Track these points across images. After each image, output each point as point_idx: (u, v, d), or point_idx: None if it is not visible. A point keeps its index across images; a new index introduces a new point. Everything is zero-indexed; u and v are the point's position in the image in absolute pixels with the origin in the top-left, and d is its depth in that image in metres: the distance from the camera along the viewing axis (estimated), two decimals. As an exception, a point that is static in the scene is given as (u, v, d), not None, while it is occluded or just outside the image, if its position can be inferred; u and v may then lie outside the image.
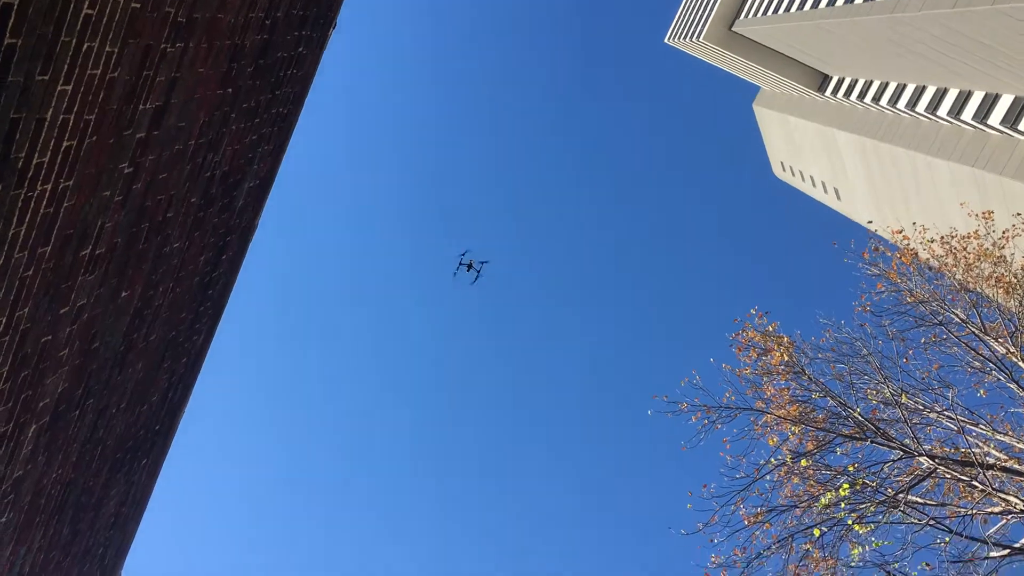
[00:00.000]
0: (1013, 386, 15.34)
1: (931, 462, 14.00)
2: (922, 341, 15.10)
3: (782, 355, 15.05)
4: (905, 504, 12.71)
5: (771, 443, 15.80)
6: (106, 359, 5.99)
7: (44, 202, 4.24)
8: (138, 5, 4.26)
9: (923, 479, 13.74)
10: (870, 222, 15.61)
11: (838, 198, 46.26)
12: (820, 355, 15.69)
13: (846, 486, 12.10)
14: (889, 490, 13.59)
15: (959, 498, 14.22)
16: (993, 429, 15.40)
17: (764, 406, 16.08)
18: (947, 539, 11.26)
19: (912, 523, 12.70)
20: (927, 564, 11.49)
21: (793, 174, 54.75)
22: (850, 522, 12.07)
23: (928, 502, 14.38)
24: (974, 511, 14.52)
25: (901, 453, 13.86)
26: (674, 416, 15.71)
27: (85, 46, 3.97)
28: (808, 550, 12.75)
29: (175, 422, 8.43)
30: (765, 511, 14.79)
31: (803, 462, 13.45)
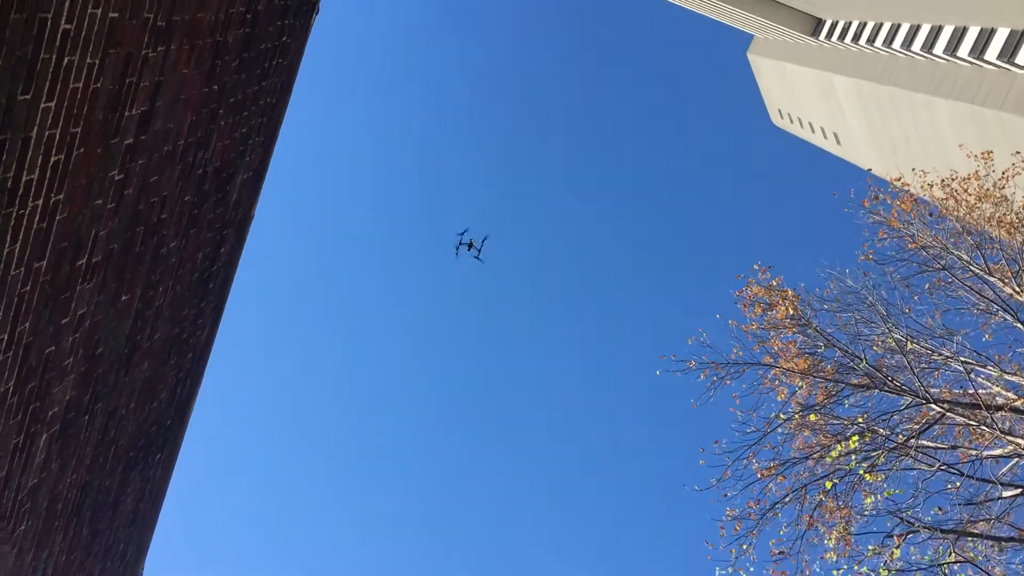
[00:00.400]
0: (1020, 326, 15.35)
1: (940, 407, 14.07)
2: (926, 287, 15.11)
3: (787, 309, 15.08)
4: (916, 450, 12.79)
5: (780, 396, 15.89)
6: (111, 362, 6.03)
7: (36, 218, 4.25)
8: (116, 15, 4.24)
9: (932, 424, 13.80)
10: (870, 170, 15.49)
11: (838, 143, 45.97)
12: (825, 306, 15.71)
13: (855, 438, 12.17)
14: (900, 436, 13.67)
15: (969, 441, 14.30)
16: (1001, 370, 15.44)
17: (772, 360, 16.15)
18: (958, 484, 11.34)
19: (923, 469, 12.79)
20: (940, 508, 11.58)
21: (792, 121, 54.39)
22: (861, 471, 12.15)
23: (939, 446, 14.48)
24: (984, 453, 14.62)
25: (910, 400, 13.91)
26: (683, 375, 15.79)
27: (66, 60, 3.96)
28: (822, 499, 12.86)
29: (186, 416, 8.51)
30: (778, 464, 14.92)
31: (812, 416, 13.52)
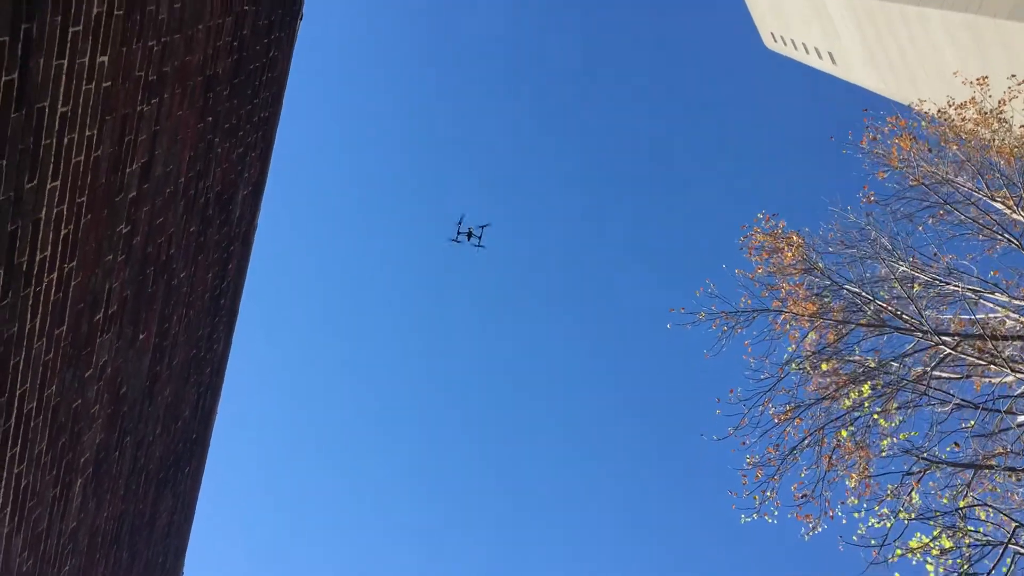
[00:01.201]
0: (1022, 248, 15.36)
1: (952, 340, 14.19)
2: (929, 220, 15.10)
3: (793, 254, 15.12)
4: (929, 386, 12.93)
5: (792, 339, 16.01)
6: (135, 398, 6.16)
7: (53, 290, 4.33)
8: (109, 83, 4.26)
9: (943, 359, 13.91)
10: (866, 110, 15.43)
11: (834, 63, 45.40)
12: (831, 249, 15.74)
13: (867, 385, 12.30)
14: (913, 371, 13.79)
15: (981, 371, 14.41)
16: (1009, 295, 15.52)
17: (781, 304, 16.23)
18: (971, 423, 11.48)
19: (936, 408, 12.94)
20: (956, 444, 11.75)
21: (785, 44, 53.64)
22: (875, 415, 12.31)
23: (953, 375, 14.60)
24: (997, 380, 14.78)
25: (920, 337, 14.00)
26: (693, 327, 15.90)
27: (66, 140, 4.00)
28: (840, 440, 13.03)
29: (209, 427, 8.67)
30: (793, 407, 15.09)
31: (823, 365, 13.65)
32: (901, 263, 16.26)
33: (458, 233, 30.39)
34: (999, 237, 14.24)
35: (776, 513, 14.61)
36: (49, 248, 4.16)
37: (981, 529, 9.47)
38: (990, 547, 8.85)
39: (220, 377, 8.57)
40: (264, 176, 8.02)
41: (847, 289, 14.92)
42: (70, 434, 5.13)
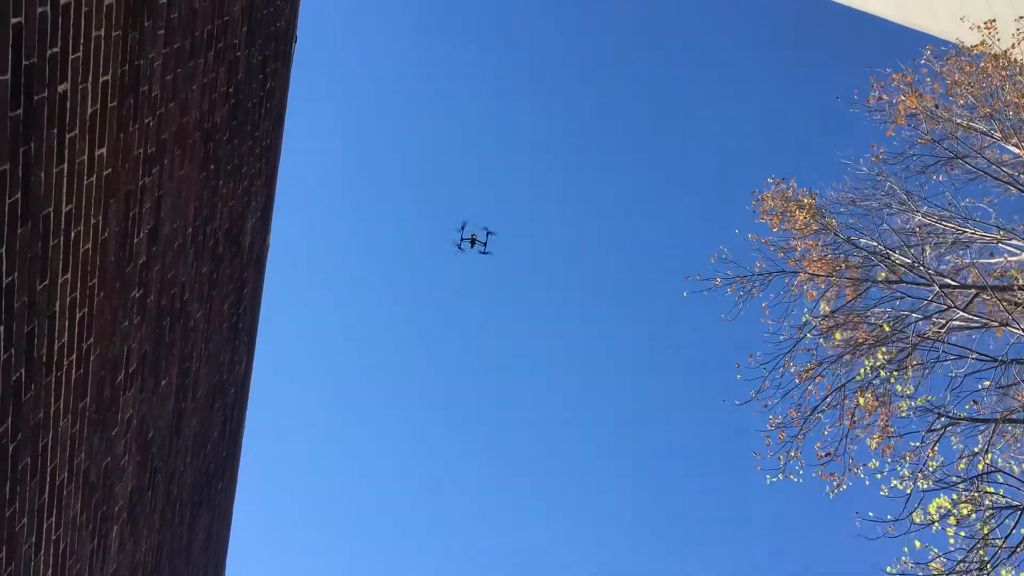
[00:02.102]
0: None
1: (968, 292, 14.22)
2: (940, 177, 15.07)
3: (805, 216, 15.14)
4: (945, 342, 13.00)
5: (809, 298, 16.09)
6: (163, 439, 6.40)
7: (73, 369, 4.54)
8: (110, 169, 4.41)
9: (967, 304, 13.92)
10: (870, 67, 15.28)
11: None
12: (842, 209, 15.73)
13: (881, 352, 12.40)
14: (931, 327, 13.84)
15: (1000, 321, 14.44)
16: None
17: (796, 263, 16.28)
18: (987, 382, 11.57)
19: (954, 364, 13.01)
20: (975, 402, 11.87)
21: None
22: (891, 378, 12.43)
23: (971, 325, 14.64)
24: (1015, 328, 14.79)
25: (936, 291, 14.03)
26: (710, 294, 16.00)
27: (73, 234, 4.18)
28: (859, 403, 13.17)
29: (238, 443, 8.95)
30: (815, 365, 15.22)
31: (836, 335, 13.74)
32: (916, 213, 16.22)
33: (462, 239, 29.69)
34: (1011, 187, 14.18)
35: (801, 472, 14.82)
36: (66, 334, 4.36)
37: (1002, 491, 9.62)
38: (1009, 509, 9.01)
39: (245, 394, 8.82)
40: (271, 199, 8.18)
41: (858, 247, 14.95)
42: (102, 490, 5.38)
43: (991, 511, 9.21)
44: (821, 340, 13.91)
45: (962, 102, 14.83)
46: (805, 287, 15.86)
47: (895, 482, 11.45)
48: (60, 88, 3.74)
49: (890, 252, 15.55)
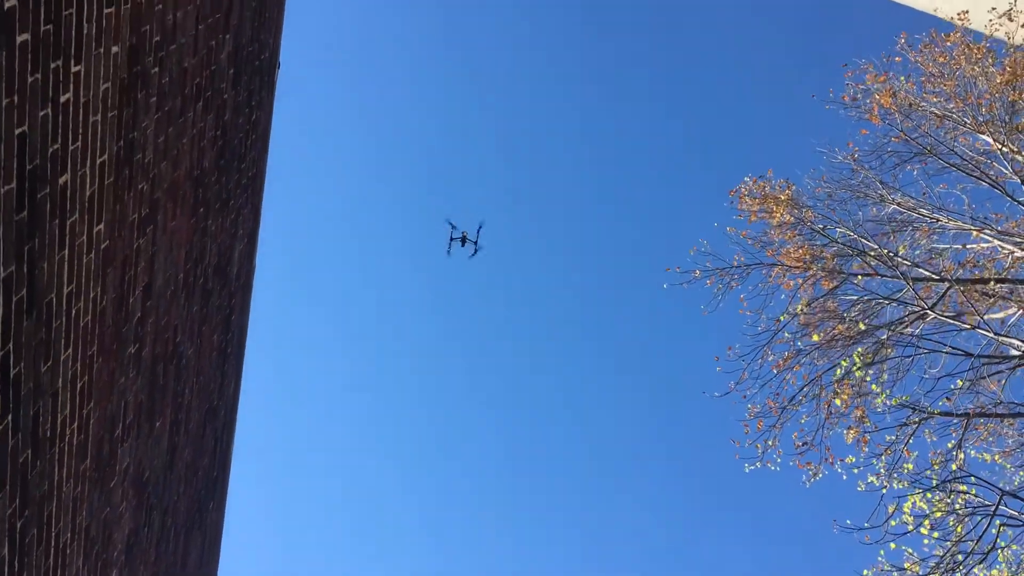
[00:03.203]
0: (1016, 178, 15.52)
1: (941, 285, 14.49)
2: (915, 173, 15.30)
3: (782, 208, 15.32)
4: (920, 337, 13.27)
5: (787, 287, 16.32)
6: (157, 476, 6.49)
7: (75, 437, 4.62)
8: (108, 242, 4.47)
9: (937, 302, 14.20)
10: (845, 65, 15.43)
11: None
12: (819, 203, 15.92)
13: (857, 354, 12.63)
14: (905, 324, 14.09)
15: (973, 312, 14.72)
16: (998, 229, 15.78)
17: (775, 253, 16.50)
18: (960, 382, 11.84)
19: (927, 359, 13.28)
20: (948, 399, 12.14)
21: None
22: (867, 379, 12.69)
23: (946, 317, 14.92)
24: (987, 316, 15.11)
25: (911, 284, 14.28)
26: (690, 286, 16.19)
27: (73, 311, 4.24)
28: (833, 401, 13.43)
29: (228, 463, 9.04)
30: (792, 354, 15.48)
31: (814, 336, 13.97)
32: (891, 203, 16.45)
33: (451, 240, 28.73)
34: (982, 182, 14.42)
35: (779, 460, 15.13)
36: (68, 406, 4.43)
37: (974, 490, 9.91)
38: (983, 508, 9.29)
39: (234, 414, 8.91)
40: (257, 224, 8.22)
41: (832, 239, 15.16)
42: (102, 541, 5.48)
43: (965, 511, 9.49)
44: (799, 341, 14.15)
45: (935, 100, 15.02)
46: (783, 278, 16.09)
47: (871, 478, 11.73)
48: (60, 181, 3.79)
49: (864, 241, 15.80)
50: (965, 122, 16.02)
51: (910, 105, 14.84)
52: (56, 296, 4.01)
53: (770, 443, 15.06)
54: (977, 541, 9.01)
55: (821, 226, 16.37)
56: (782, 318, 14.49)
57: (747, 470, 15.05)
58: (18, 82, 3.23)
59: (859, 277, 15.04)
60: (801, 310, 14.22)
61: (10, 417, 3.75)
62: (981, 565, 9.14)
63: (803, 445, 14.64)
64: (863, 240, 15.95)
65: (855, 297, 15.46)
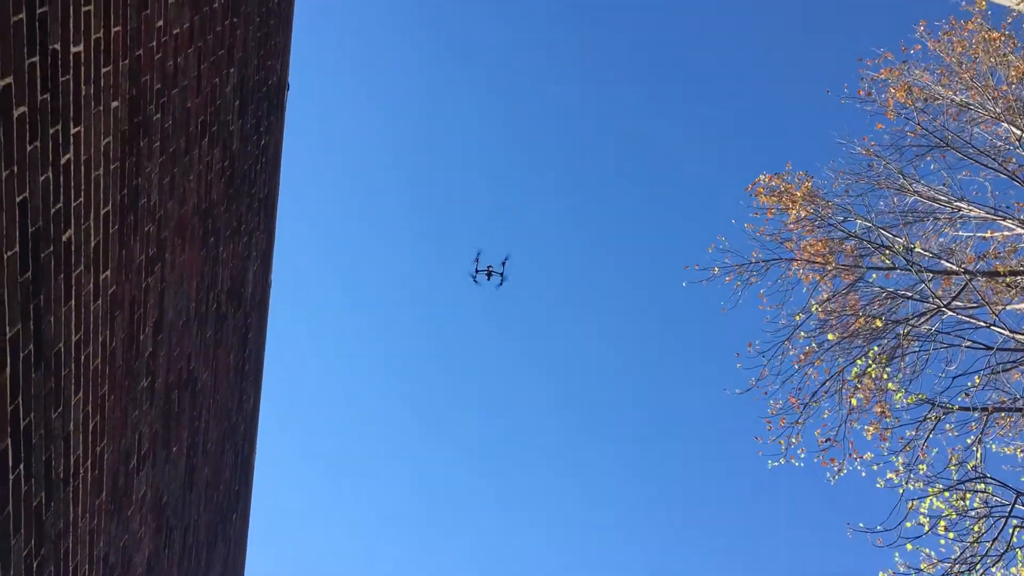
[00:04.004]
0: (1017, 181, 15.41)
1: (963, 275, 14.41)
2: (932, 167, 15.21)
3: (800, 203, 15.28)
4: (938, 331, 13.22)
5: (806, 281, 16.29)
6: (176, 499, 6.67)
7: (89, 474, 4.78)
8: (115, 286, 4.61)
9: (957, 295, 14.13)
10: (860, 59, 15.34)
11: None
12: (837, 199, 15.85)
13: (873, 351, 12.62)
14: (924, 318, 14.03)
15: (994, 304, 14.63)
16: (1020, 221, 15.64)
17: (793, 248, 16.47)
18: (977, 379, 11.80)
19: (946, 348, 13.22)
20: (966, 394, 12.11)
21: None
22: (885, 376, 12.66)
23: (963, 314, 14.84)
24: (1008, 307, 15.01)
25: (931, 277, 14.22)
26: (709, 284, 16.20)
27: (82, 357, 4.39)
28: (853, 402, 13.43)
29: (250, 474, 9.23)
30: (813, 349, 15.47)
31: (830, 336, 13.94)
32: (912, 193, 16.35)
33: (476, 271, 28.29)
34: (1000, 173, 14.32)
35: (803, 456, 15.15)
36: (80, 446, 4.59)
37: (990, 488, 9.90)
38: (993, 518, 9.30)
39: (254, 427, 9.08)
40: (271, 244, 8.37)
41: (851, 234, 15.11)
42: (121, 566, 5.66)
43: (982, 511, 9.49)
44: (819, 336, 14.13)
45: (951, 92, 14.89)
46: (801, 272, 16.06)
47: (891, 475, 11.74)
48: (64, 237, 3.93)
49: (883, 233, 15.73)
50: (985, 109, 15.89)
51: (926, 100, 14.73)
52: (64, 346, 4.15)
53: (793, 439, 15.08)
54: (993, 542, 9.01)
55: (841, 217, 16.31)
56: (798, 317, 14.48)
57: (770, 466, 15.08)
58: (17, 153, 3.36)
59: (874, 275, 14.99)
60: (816, 309, 14.21)
61: (22, 466, 3.90)
62: (999, 564, 9.15)
63: (826, 441, 14.65)
64: (882, 232, 15.89)
65: (877, 288, 15.42)
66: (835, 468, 14.39)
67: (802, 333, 14.35)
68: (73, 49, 3.68)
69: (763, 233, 15.62)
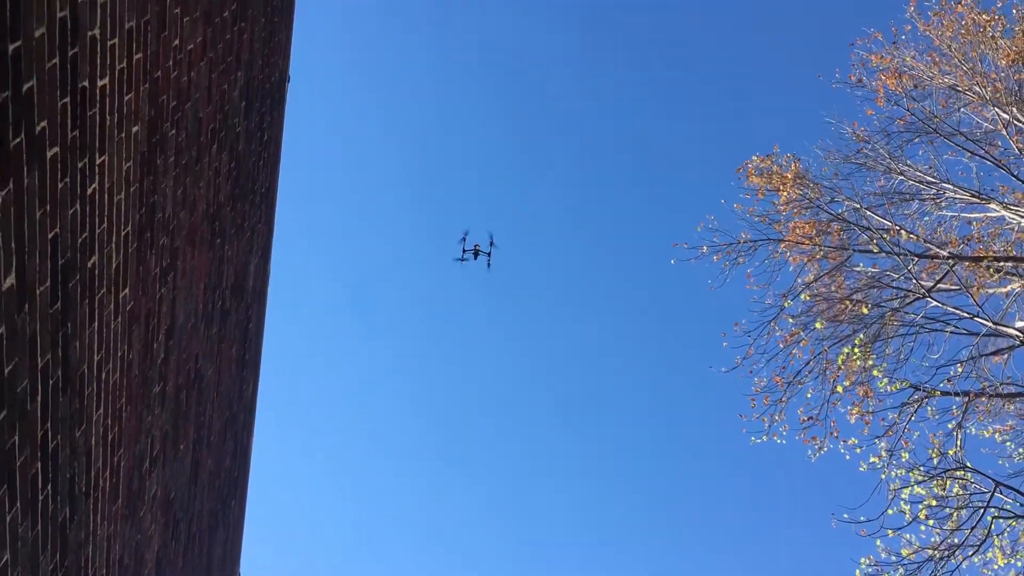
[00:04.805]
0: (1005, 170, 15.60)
1: (947, 259, 14.64)
2: (920, 152, 15.37)
3: (789, 184, 15.42)
4: (924, 316, 13.45)
5: (794, 262, 16.49)
6: (183, 493, 6.80)
7: (107, 483, 4.89)
8: (132, 303, 4.69)
9: (934, 286, 14.36)
10: (852, 44, 15.39)
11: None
12: (826, 182, 15.99)
13: (859, 339, 12.84)
14: (909, 298, 14.25)
15: (976, 287, 14.88)
16: (1001, 203, 15.86)
17: (781, 229, 16.63)
18: (959, 368, 12.05)
19: (929, 333, 13.47)
20: (948, 380, 12.37)
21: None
22: (870, 362, 12.89)
23: (950, 287, 15.08)
24: (991, 291, 15.27)
25: (915, 260, 14.43)
26: (696, 262, 16.36)
27: (103, 374, 4.48)
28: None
29: (248, 461, 9.36)
30: (799, 329, 15.70)
31: (818, 324, 14.14)
32: (898, 175, 16.51)
33: (464, 252, 28.11)
34: (987, 160, 14.50)
35: (785, 433, 15.44)
36: (100, 459, 4.69)
37: (970, 476, 10.18)
38: (971, 508, 9.58)
39: (252, 414, 9.20)
40: (271, 235, 8.42)
41: (838, 217, 15.28)
42: (134, 564, 5.79)
43: (961, 502, 9.77)
44: (798, 326, 14.34)
45: (941, 75, 15.00)
46: (789, 254, 16.24)
47: (873, 459, 12.01)
48: (89, 264, 4.00)
49: (870, 213, 15.91)
50: (974, 93, 16.02)
51: (915, 86, 14.84)
52: (87, 366, 4.24)
53: (776, 417, 15.36)
54: (971, 530, 9.30)
55: (828, 199, 16.47)
56: (787, 303, 14.67)
57: (753, 443, 15.37)
58: (49, 192, 3.43)
59: (860, 265, 15.18)
60: (806, 297, 14.42)
61: (50, 486, 4.01)
62: (977, 552, 9.44)
63: (808, 420, 14.93)
64: (868, 212, 16.08)
65: (861, 269, 15.62)
66: (816, 446, 14.69)
67: (790, 317, 14.56)
68: (99, 83, 3.73)
69: (752, 214, 15.78)
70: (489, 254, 27.84)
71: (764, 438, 15.44)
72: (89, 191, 3.84)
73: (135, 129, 4.24)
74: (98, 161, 3.88)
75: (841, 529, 10.88)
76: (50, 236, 3.52)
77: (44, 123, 3.27)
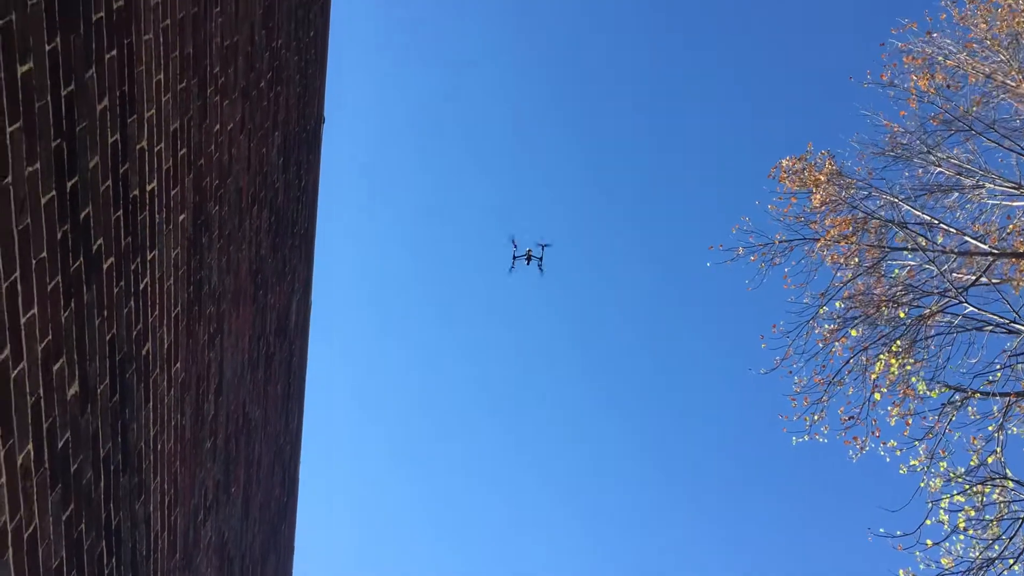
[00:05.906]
0: None
1: (988, 253, 14.56)
2: (955, 151, 15.26)
3: (825, 183, 15.41)
4: (962, 316, 13.41)
5: (831, 261, 16.46)
6: (235, 533, 7.08)
7: (165, 542, 5.15)
8: (184, 374, 4.93)
9: (980, 276, 14.28)
10: (883, 44, 15.35)
11: None
12: (863, 178, 15.93)
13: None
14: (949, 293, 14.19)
15: (1017, 283, 14.77)
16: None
17: (817, 227, 16.61)
18: (998, 373, 12.02)
19: (970, 331, 13.42)
20: (989, 381, 12.34)
21: None
22: (906, 367, 12.89)
23: (992, 281, 14.97)
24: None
25: (954, 258, 14.36)
26: (733, 264, 16.40)
27: (159, 445, 4.73)
28: (877, 396, 13.68)
29: (296, 485, 9.65)
30: (838, 326, 15.69)
31: (852, 332, 14.14)
32: (937, 167, 16.40)
33: (515, 258, 27.84)
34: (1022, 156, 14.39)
35: (826, 432, 15.47)
36: (159, 522, 4.96)
37: (1010, 483, 10.19)
38: (1009, 520, 9.60)
39: (299, 443, 9.48)
40: (311, 270, 8.66)
41: (876, 216, 15.23)
42: (193, 609, 6.08)
43: (1002, 512, 9.79)
44: (839, 330, 14.35)
45: (978, 68, 14.85)
46: (825, 253, 16.23)
47: (913, 461, 12.04)
48: (143, 351, 4.24)
49: (907, 207, 15.83)
50: (1008, 86, 15.84)
51: (948, 85, 14.73)
52: (144, 442, 4.49)
53: (816, 417, 15.38)
54: (1010, 539, 9.34)
55: (864, 194, 16.41)
56: (823, 309, 14.68)
57: (795, 443, 15.42)
58: (107, 299, 3.66)
59: (896, 271, 15.14)
60: (839, 304, 14.43)
61: (114, 559, 4.27)
62: (1016, 565, 9.47)
63: (849, 419, 14.95)
64: (906, 206, 15.99)
65: (896, 273, 15.57)
66: (857, 446, 14.71)
67: (829, 316, 14.55)
68: (148, 187, 3.95)
69: (787, 214, 15.78)
70: (541, 259, 27.77)
71: (805, 438, 15.48)
72: (142, 286, 4.08)
73: (182, 218, 4.47)
74: (148, 257, 4.11)
75: (878, 534, 10.94)
76: (108, 338, 3.76)
77: (100, 240, 3.50)
